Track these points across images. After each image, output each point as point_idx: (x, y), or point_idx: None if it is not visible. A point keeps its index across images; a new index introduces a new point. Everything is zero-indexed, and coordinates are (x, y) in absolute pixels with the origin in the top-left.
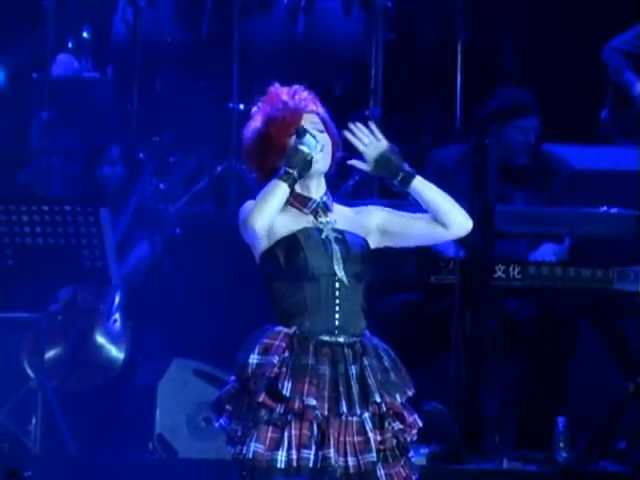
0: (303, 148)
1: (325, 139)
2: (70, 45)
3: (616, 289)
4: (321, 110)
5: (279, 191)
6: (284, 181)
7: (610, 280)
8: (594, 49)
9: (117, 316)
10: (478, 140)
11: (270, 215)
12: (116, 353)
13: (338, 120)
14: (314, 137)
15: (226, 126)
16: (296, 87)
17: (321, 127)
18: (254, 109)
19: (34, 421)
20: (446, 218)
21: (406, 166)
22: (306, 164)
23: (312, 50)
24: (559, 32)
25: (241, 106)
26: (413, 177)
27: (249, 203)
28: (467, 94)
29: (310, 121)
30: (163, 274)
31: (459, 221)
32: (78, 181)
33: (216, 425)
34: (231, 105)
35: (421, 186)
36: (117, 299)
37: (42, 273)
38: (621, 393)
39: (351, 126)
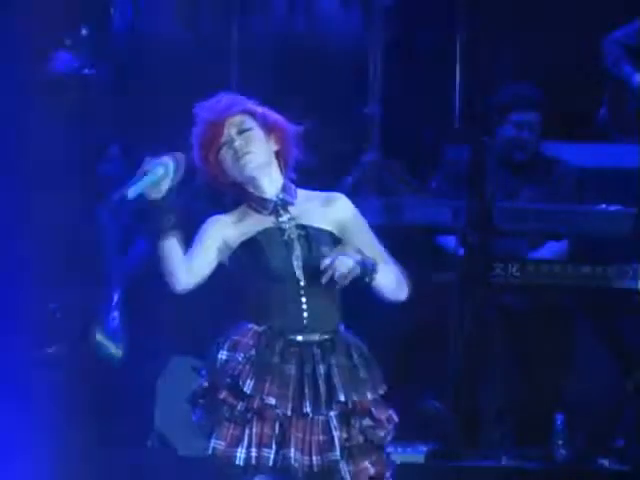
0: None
1: (250, 137)
2: (68, 42)
3: (615, 287)
4: (250, 105)
5: (166, 251)
6: (161, 239)
7: (609, 277)
8: (593, 47)
9: (116, 314)
10: (475, 137)
11: (179, 274)
12: (115, 350)
13: (337, 118)
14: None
15: None
16: (217, 96)
17: (247, 126)
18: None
19: None
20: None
21: (369, 264)
22: (159, 208)
23: (311, 48)
24: (558, 31)
25: None
26: (376, 272)
27: (211, 220)
28: (466, 93)
29: (233, 125)
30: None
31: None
32: (76, 179)
33: (194, 420)
34: None
35: (380, 277)
36: (116, 297)
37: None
38: (619, 391)
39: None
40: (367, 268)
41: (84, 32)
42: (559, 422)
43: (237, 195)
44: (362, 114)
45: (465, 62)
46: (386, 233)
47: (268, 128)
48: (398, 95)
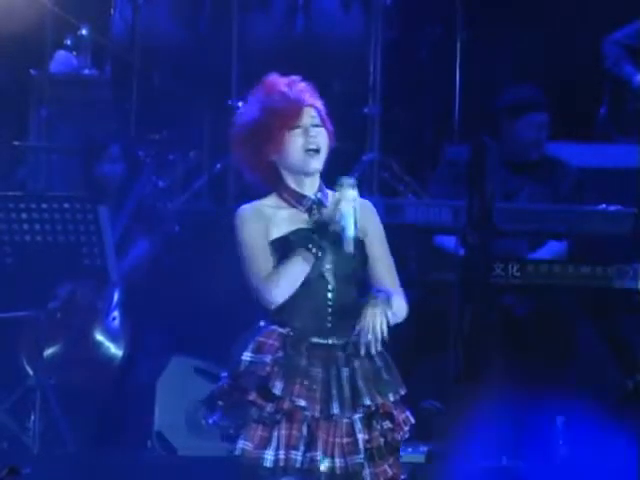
0: (339, 226)
1: (322, 135)
2: (68, 42)
3: (615, 286)
4: (319, 103)
5: (306, 270)
6: (312, 258)
7: (609, 277)
8: (593, 47)
9: (116, 314)
10: (477, 137)
11: (290, 292)
12: (115, 351)
13: (336, 118)
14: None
15: (225, 123)
16: (293, 77)
17: (318, 121)
18: (249, 96)
19: (33, 419)
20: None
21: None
22: (337, 238)
23: (311, 47)
24: (558, 31)
25: (240, 104)
26: (391, 307)
27: (243, 215)
28: (466, 93)
29: (309, 115)
30: (162, 272)
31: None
32: (77, 179)
33: (209, 422)
34: (230, 102)
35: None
36: (116, 297)
37: (41, 271)
38: (620, 391)
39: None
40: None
41: (84, 32)
42: (559, 422)
43: (267, 180)
44: (362, 114)
45: (465, 62)
46: (386, 233)
47: (328, 134)
48: (398, 95)
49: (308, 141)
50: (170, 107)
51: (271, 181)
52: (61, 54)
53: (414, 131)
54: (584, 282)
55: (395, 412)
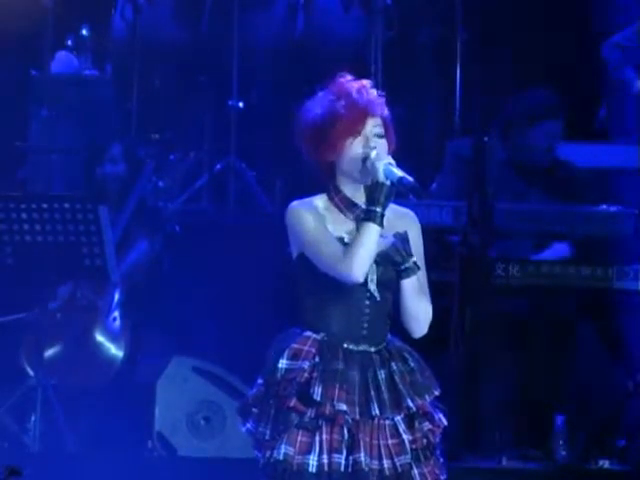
0: (388, 182)
1: (383, 146)
2: (69, 43)
3: (616, 287)
4: (385, 111)
5: (375, 236)
6: (376, 223)
7: (610, 278)
8: (593, 47)
9: (116, 314)
10: (477, 137)
11: (370, 263)
12: (115, 351)
13: None
14: (399, 171)
15: (225, 123)
16: (364, 83)
17: (381, 131)
18: (320, 93)
19: (33, 419)
20: (409, 322)
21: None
22: (391, 194)
23: (311, 47)
24: (558, 31)
25: (240, 104)
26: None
27: (297, 209)
28: (467, 92)
29: (373, 125)
30: (162, 272)
31: (415, 330)
32: (77, 179)
33: (243, 429)
34: (230, 102)
35: (412, 282)
36: (116, 297)
37: (41, 271)
38: (620, 391)
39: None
40: (406, 254)
41: (85, 32)
42: (559, 422)
43: (323, 177)
44: None
45: (465, 61)
46: None
47: (389, 145)
48: (398, 95)
49: (367, 151)
50: (170, 107)
51: (326, 179)
52: (62, 54)
53: (414, 131)
54: (584, 283)
55: (433, 413)
